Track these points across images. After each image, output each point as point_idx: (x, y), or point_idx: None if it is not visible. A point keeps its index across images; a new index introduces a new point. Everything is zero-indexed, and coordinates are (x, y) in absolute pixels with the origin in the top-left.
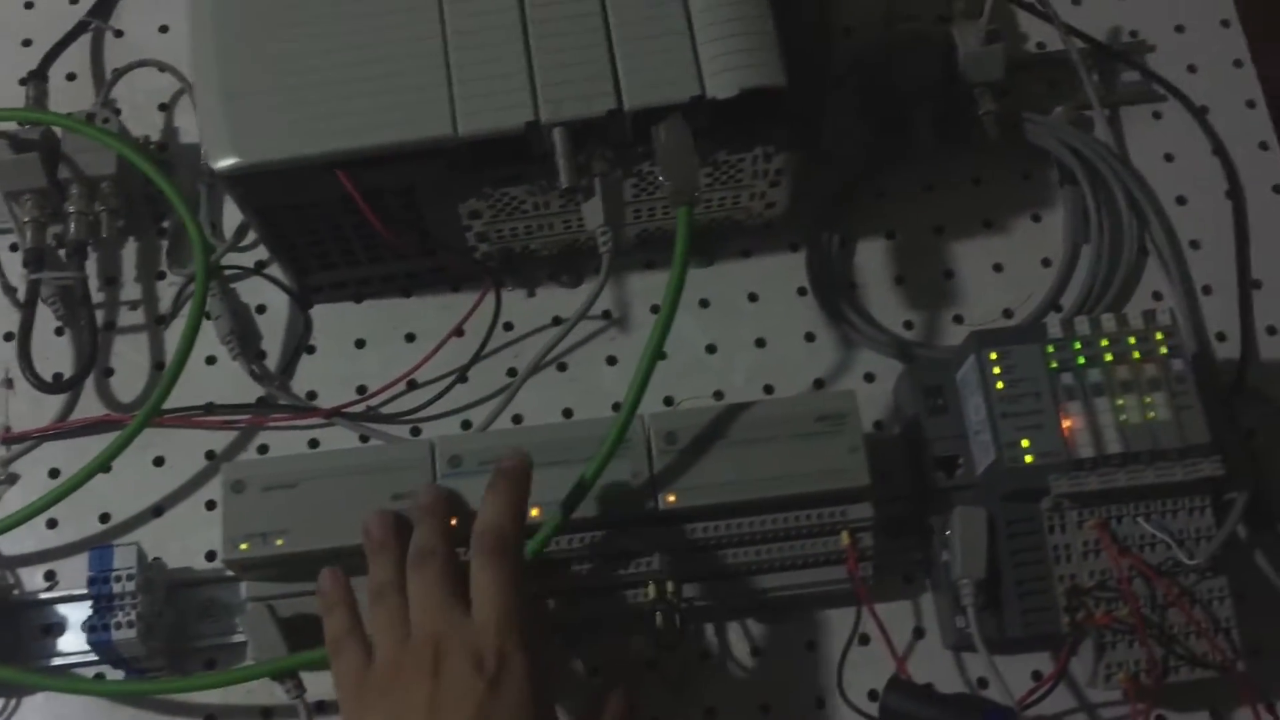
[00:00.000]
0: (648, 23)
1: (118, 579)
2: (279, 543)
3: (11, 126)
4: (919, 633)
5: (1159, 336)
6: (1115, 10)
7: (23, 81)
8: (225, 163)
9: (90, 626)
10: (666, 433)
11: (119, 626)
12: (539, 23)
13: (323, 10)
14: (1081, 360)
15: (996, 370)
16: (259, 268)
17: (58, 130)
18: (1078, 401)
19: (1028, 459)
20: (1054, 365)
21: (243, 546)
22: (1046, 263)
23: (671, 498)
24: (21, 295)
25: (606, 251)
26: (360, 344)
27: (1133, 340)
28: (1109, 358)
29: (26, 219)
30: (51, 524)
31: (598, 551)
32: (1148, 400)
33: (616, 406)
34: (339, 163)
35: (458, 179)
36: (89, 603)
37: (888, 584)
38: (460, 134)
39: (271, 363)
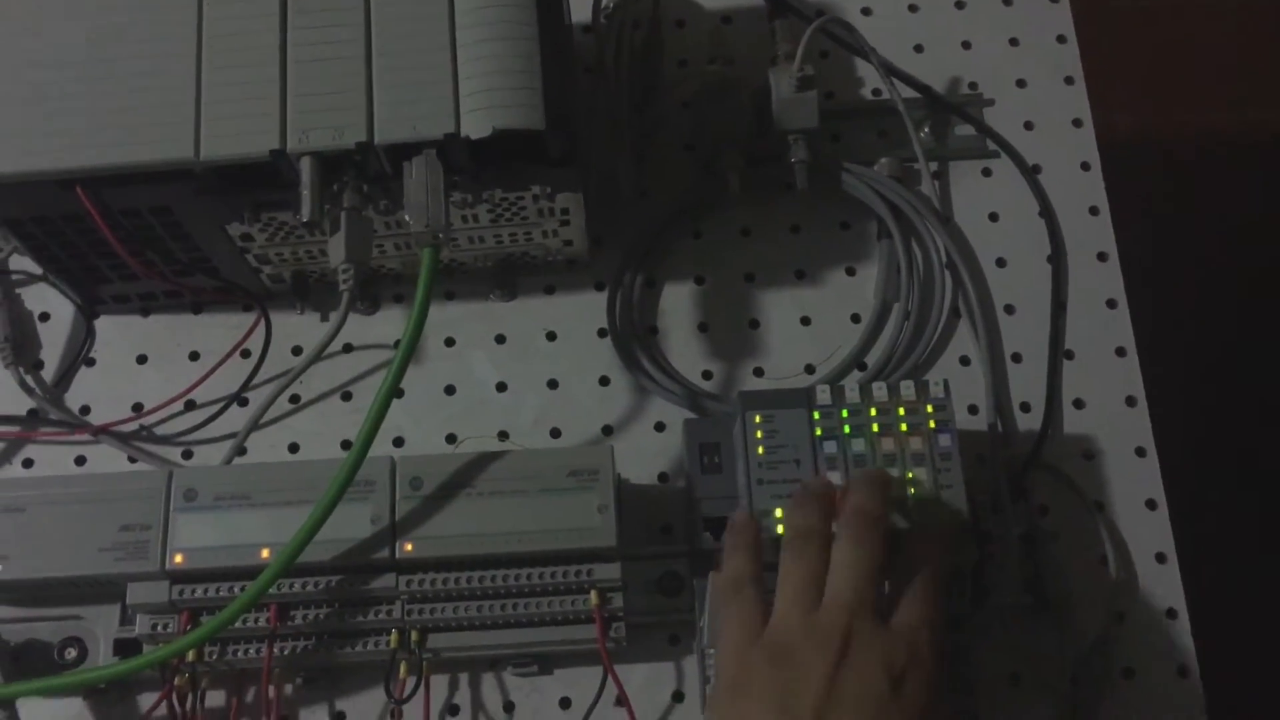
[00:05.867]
0: (411, 57)
1: None
2: None
3: None
4: (678, 696)
5: (929, 410)
6: (958, 61)
7: None
8: None
9: None
10: (412, 478)
11: None
12: (299, 47)
13: (72, 24)
14: (847, 430)
15: (759, 434)
16: (46, 274)
17: None
18: (838, 472)
19: (779, 529)
20: (819, 432)
21: None
22: (856, 318)
23: (409, 546)
24: None
25: (346, 289)
26: (142, 359)
27: (902, 411)
28: (875, 428)
29: None
30: None
31: (335, 596)
32: (910, 475)
33: (398, 441)
34: (77, 180)
35: (212, 202)
36: None
37: (652, 643)
38: (202, 158)
39: (50, 373)
